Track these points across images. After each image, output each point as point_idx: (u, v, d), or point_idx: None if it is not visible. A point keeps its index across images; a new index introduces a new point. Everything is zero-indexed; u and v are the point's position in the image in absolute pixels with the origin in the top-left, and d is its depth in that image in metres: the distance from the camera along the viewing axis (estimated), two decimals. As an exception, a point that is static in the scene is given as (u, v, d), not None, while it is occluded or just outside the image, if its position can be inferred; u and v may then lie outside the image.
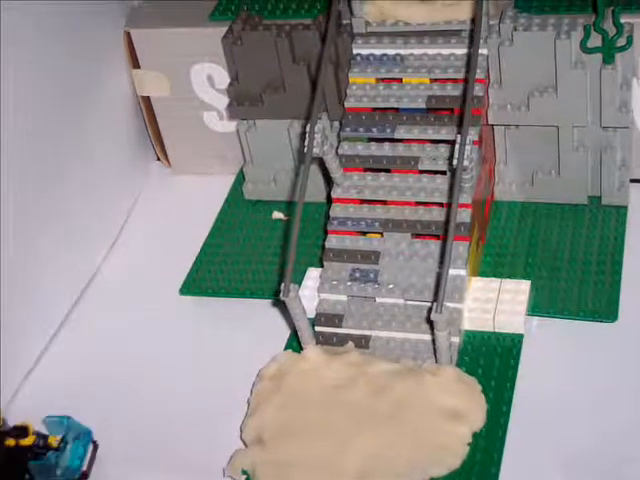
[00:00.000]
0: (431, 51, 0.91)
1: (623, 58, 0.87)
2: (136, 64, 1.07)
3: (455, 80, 0.90)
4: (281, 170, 1.02)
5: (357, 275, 0.88)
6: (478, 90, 0.89)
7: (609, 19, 0.87)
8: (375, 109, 0.91)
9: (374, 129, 0.90)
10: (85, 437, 0.83)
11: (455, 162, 0.81)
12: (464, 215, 0.86)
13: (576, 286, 0.89)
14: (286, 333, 0.91)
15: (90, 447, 0.83)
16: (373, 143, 0.90)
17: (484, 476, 0.77)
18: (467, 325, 0.87)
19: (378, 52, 0.93)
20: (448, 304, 0.83)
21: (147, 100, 1.10)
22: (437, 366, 0.83)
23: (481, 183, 0.91)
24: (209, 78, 1.05)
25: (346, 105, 0.92)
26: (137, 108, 1.11)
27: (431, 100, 0.90)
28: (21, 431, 0.81)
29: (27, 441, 0.80)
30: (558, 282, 0.90)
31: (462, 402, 0.81)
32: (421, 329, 0.85)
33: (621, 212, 0.95)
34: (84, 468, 0.82)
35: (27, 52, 0.93)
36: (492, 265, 0.93)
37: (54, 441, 0.81)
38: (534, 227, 0.96)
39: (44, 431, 0.83)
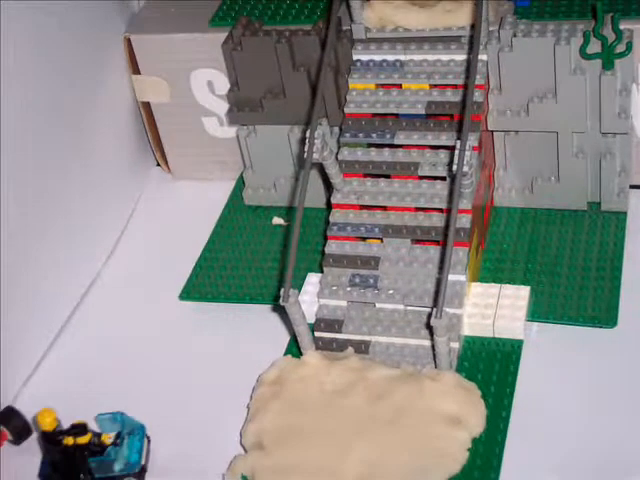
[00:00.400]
0: (431, 57, 0.92)
1: (622, 64, 0.87)
2: (136, 70, 1.07)
3: (455, 86, 0.90)
4: (281, 176, 1.02)
5: (357, 281, 0.88)
6: (478, 96, 0.89)
7: (608, 25, 0.87)
8: (375, 115, 0.92)
9: (374, 135, 0.90)
10: (139, 432, 0.83)
11: (455, 168, 0.81)
12: (464, 221, 0.86)
13: (575, 292, 0.89)
14: (286, 338, 0.91)
15: (145, 441, 0.83)
16: (373, 149, 0.90)
17: (484, 481, 0.77)
18: (467, 331, 0.87)
19: (378, 58, 0.93)
20: (448, 310, 0.83)
21: (147, 106, 1.10)
22: (437, 371, 0.83)
23: (481, 189, 0.91)
24: (209, 84, 1.05)
25: (346, 111, 0.92)
26: (137, 114, 1.11)
27: (431, 106, 0.90)
28: (80, 429, 0.81)
29: (84, 439, 0.81)
30: (557, 288, 0.90)
31: (462, 407, 0.81)
32: (421, 335, 0.85)
33: (620, 218, 0.95)
34: (143, 462, 0.82)
35: (28, 58, 0.93)
36: (492, 271, 0.93)
37: (107, 439, 0.82)
38: (533, 233, 0.96)
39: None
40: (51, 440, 0.81)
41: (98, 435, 0.83)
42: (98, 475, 0.81)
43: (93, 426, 0.84)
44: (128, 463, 0.81)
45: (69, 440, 0.81)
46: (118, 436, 0.82)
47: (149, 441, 0.84)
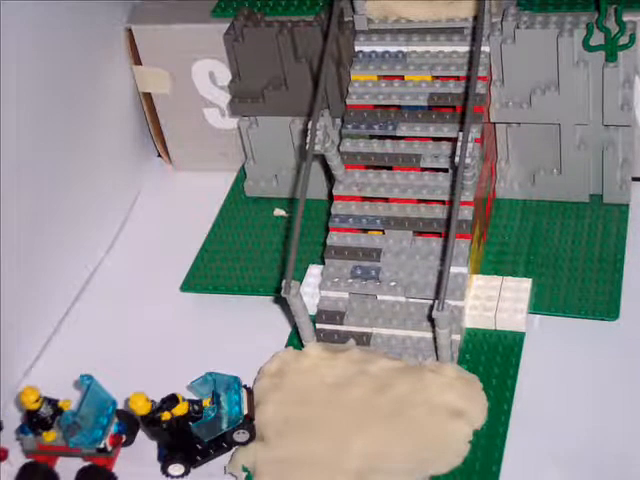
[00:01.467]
0: (433, 48, 0.91)
1: (626, 56, 0.87)
2: (137, 61, 1.07)
3: (457, 78, 0.90)
4: (282, 167, 1.02)
5: (358, 272, 0.88)
6: (480, 88, 0.89)
7: (612, 17, 0.87)
8: (377, 106, 0.91)
9: (376, 126, 0.90)
10: (234, 385, 0.82)
11: (457, 160, 0.81)
12: (466, 213, 0.86)
13: (577, 284, 0.89)
14: (287, 330, 0.91)
15: (243, 392, 0.82)
16: (375, 140, 0.90)
17: (485, 474, 0.77)
18: (468, 323, 0.87)
19: (380, 49, 0.93)
20: (449, 302, 0.83)
21: (148, 97, 1.10)
22: (438, 364, 0.83)
23: (483, 181, 0.91)
24: (211, 75, 1.05)
25: (348, 102, 0.92)
26: (138, 105, 1.11)
27: (433, 97, 0.90)
28: (172, 402, 0.79)
29: (181, 409, 0.79)
30: (559, 280, 0.90)
31: (463, 400, 0.81)
32: (422, 327, 0.85)
33: (623, 210, 0.95)
34: (246, 412, 0.81)
35: (28, 49, 0.92)
36: (493, 263, 0.92)
37: (207, 403, 0.81)
38: (535, 225, 0.96)
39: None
40: (150, 422, 0.79)
41: (199, 402, 0.81)
42: (207, 439, 0.80)
43: (190, 396, 0.83)
44: (230, 418, 0.80)
45: (166, 415, 0.79)
46: (213, 396, 0.81)
47: (250, 391, 0.83)
